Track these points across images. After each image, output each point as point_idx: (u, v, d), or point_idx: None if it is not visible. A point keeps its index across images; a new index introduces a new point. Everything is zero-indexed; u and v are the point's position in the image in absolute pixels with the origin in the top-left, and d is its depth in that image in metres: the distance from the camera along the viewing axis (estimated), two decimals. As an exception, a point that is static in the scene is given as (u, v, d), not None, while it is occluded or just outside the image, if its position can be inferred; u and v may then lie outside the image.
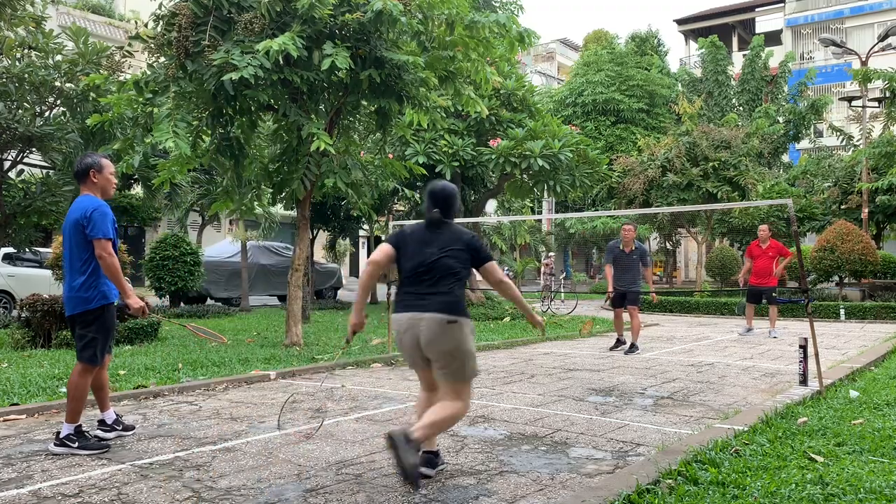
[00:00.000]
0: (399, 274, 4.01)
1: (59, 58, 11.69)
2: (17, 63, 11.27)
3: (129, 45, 9.66)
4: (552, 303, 17.81)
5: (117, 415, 4.97)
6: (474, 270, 4.08)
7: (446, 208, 4.12)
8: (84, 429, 4.60)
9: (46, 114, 12.13)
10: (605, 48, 33.38)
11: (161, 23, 8.40)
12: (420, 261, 3.91)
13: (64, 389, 6.22)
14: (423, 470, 3.74)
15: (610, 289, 9.93)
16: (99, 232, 4.47)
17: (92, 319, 4.56)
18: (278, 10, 7.99)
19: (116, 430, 4.86)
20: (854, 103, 20.09)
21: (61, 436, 4.49)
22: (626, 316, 10.09)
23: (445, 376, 3.80)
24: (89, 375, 4.60)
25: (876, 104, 19.93)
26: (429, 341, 3.76)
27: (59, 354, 8.39)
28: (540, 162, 13.77)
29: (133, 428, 4.99)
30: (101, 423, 4.88)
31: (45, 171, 13.92)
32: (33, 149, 11.96)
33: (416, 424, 3.63)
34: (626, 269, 9.78)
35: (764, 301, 12.12)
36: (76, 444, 4.45)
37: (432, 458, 3.94)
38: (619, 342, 10.17)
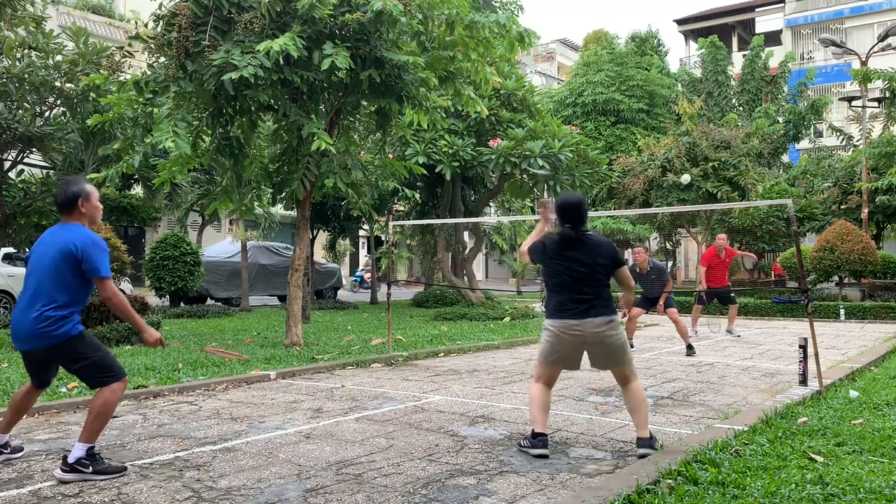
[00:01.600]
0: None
1: (59, 58, 11.69)
2: (18, 63, 11.27)
3: (129, 45, 9.67)
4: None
5: (2, 445, 4.38)
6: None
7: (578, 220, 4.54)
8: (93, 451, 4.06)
9: (46, 114, 12.13)
10: (605, 48, 33.37)
11: (161, 23, 8.40)
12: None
13: (64, 390, 6.23)
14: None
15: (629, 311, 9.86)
16: (102, 270, 4.08)
17: (81, 342, 4.08)
18: (278, 10, 7.99)
19: (3, 452, 4.34)
20: (854, 103, 20.09)
21: (71, 460, 3.94)
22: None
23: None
24: (121, 391, 4.15)
25: (876, 104, 19.93)
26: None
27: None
28: (540, 162, 13.77)
29: (22, 450, 4.44)
30: None
31: (45, 171, 13.92)
32: (33, 149, 11.96)
33: (638, 425, 4.44)
34: (649, 289, 9.86)
35: (714, 301, 12.38)
36: (90, 470, 3.95)
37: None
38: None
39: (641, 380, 7.36)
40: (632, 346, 9.80)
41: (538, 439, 4.42)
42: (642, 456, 4.23)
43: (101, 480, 3.90)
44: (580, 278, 4.43)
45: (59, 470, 3.95)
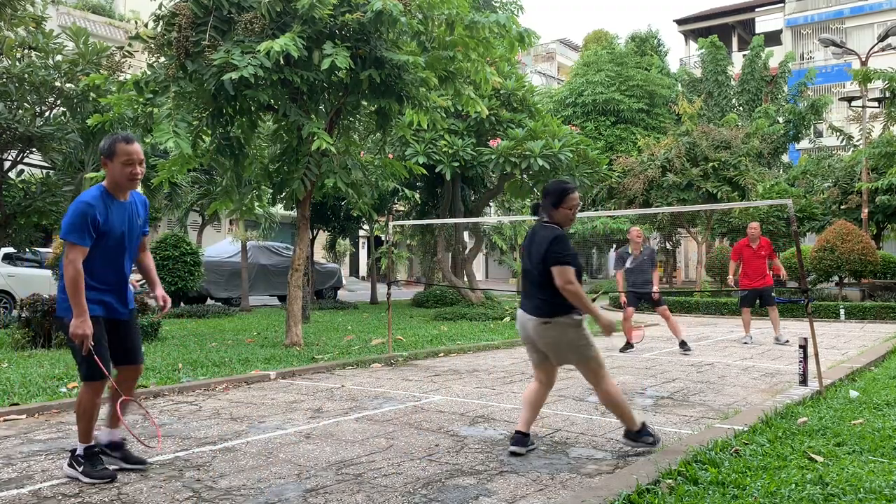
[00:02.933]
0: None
1: (59, 58, 11.70)
2: (18, 63, 11.28)
3: (129, 45, 9.67)
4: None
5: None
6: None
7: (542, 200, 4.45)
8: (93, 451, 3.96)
9: (46, 114, 12.14)
10: (605, 48, 33.37)
11: (161, 23, 8.40)
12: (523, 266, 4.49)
13: (64, 390, 6.23)
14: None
15: (623, 299, 10.06)
16: (62, 231, 3.81)
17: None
18: (278, 10, 7.99)
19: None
20: (854, 103, 20.09)
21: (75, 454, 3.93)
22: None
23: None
24: (91, 392, 3.97)
25: (876, 104, 19.94)
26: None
27: (59, 354, 8.39)
28: (540, 162, 13.77)
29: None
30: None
31: (45, 171, 13.93)
32: (33, 149, 11.96)
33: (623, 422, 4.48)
34: (641, 270, 9.85)
35: (758, 304, 11.03)
36: (80, 469, 3.90)
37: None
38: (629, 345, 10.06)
39: (642, 379, 7.39)
40: (631, 347, 9.90)
41: (515, 435, 4.45)
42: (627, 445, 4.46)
43: (88, 482, 3.83)
44: (524, 270, 4.45)
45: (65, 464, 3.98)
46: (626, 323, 9.96)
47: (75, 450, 3.95)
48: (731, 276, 11.40)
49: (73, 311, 3.77)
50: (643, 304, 10.87)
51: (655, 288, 9.91)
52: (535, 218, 4.48)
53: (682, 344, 9.80)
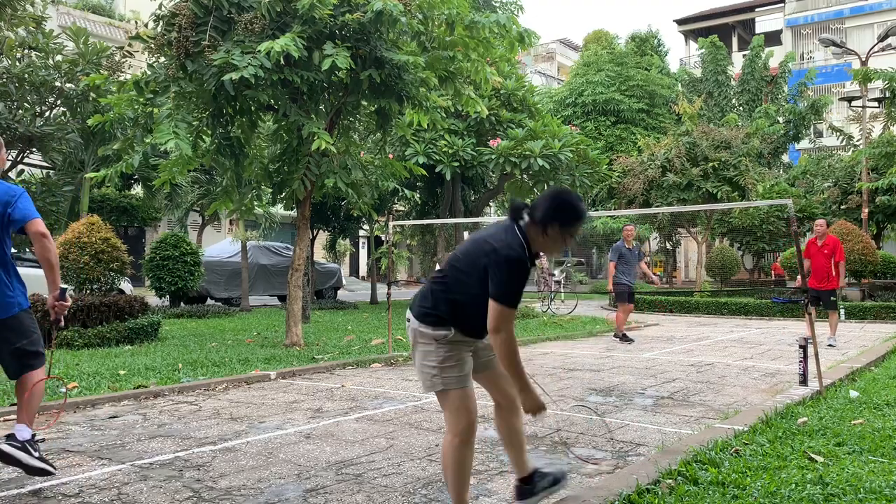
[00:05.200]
0: None
1: (59, 58, 11.71)
2: (18, 63, 11.28)
3: (130, 45, 9.68)
4: (552, 303, 17.80)
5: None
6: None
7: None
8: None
9: (46, 114, 12.14)
10: (605, 48, 33.38)
11: (161, 23, 8.40)
12: None
13: (64, 390, 6.23)
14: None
15: (610, 286, 11.04)
16: (34, 211, 3.89)
17: (32, 315, 4.04)
18: (278, 10, 7.99)
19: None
20: (854, 103, 20.10)
21: (22, 439, 3.83)
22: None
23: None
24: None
25: (876, 104, 19.94)
26: None
27: (58, 354, 8.39)
28: (540, 162, 13.77)
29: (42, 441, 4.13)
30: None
31: (45, 171, 13.93)
32: (33, 149, 11.96)
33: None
34: (631, 263, 10.94)
35: (821, 306, 10.31)
36: (36, 454, 3.84)
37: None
38: (626, 338, 11.04)
39: (642, 379, 7.40)
40: (630, 340, 10.84)
41: (516, 485, 3.41)
42: None
43: (32, 470, 3.78)
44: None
45: (7, 444, 3.77)
46: (621, 314, 11.11)
47: (13, 434, 3.84)
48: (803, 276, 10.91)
49: (56, 287, 3.97)
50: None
51: (651, 276, 11.83)
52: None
53: (623, 337, 10.93)
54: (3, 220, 3.88)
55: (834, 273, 10.17)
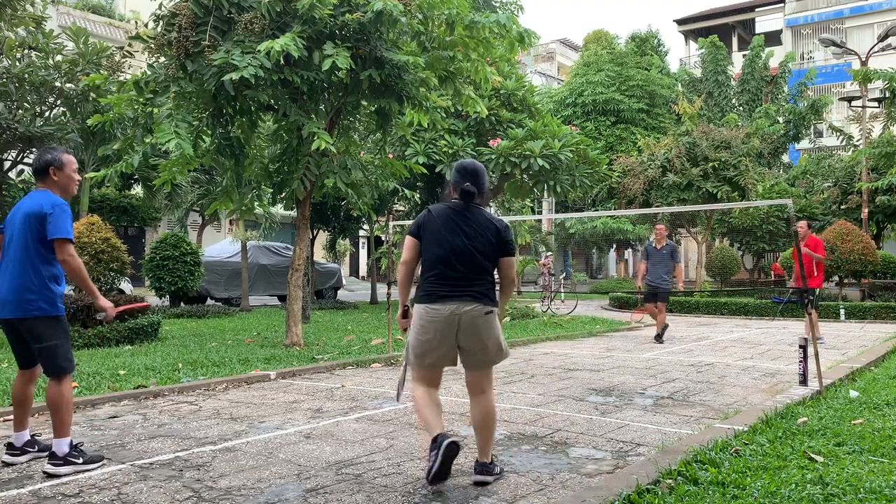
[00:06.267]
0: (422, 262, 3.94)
1: (59, 58, 11.71)
2: (18, 63, 11.28)
3: (129, 45, 9.67)
4: (552, 303, 17.80)
5: (32, 436, 4.37)
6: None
7: (478, 185, 3.88)
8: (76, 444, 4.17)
9: (46, 114, 12.15)
10: (605, 48, 33.38)
11: (161, 23, 8.40)
12: (451, 248, 3.80)
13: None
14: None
15: (639, 283, 11.23)
16: (63, 231, 4.05)
17: (55, 324, 4.13)
18: (278, 10, 7.99)
19: (30, 452, 4.29)
20: (854, 103, 20.10)
21: (60, 454, 4.02)
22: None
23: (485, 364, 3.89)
24: (69, 383, 4.16)
25: (876, 104, 19.94)
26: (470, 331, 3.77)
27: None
28: (540, 162, 13.76)
29: (49, 447, 4.18)
30: (10, 446, 4.29)
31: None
32: (33, 149, 11.97)
33: (479, 445, 3.90)
34: (658, 263, 10.89)
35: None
36: (81, 460, 4.07)
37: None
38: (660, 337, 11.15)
39: (642, 379, 7.40)
40: (662, 340, 10.97)
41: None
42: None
43: (94, 468, 4.07)
44: (459, 251, 3.84)
45: (48, 465, 4.02)
46: (657, 315, 11.07)
47: (52, 452, 4.05)
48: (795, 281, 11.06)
49: (95, 296, 4.27)
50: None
51: (680, 282, 11.47)
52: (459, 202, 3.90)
53: (658, 337, 10.97)
54: (32, 228, 4.11)
55: (815, 273, 10.50)
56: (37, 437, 4.43)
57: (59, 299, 4.17)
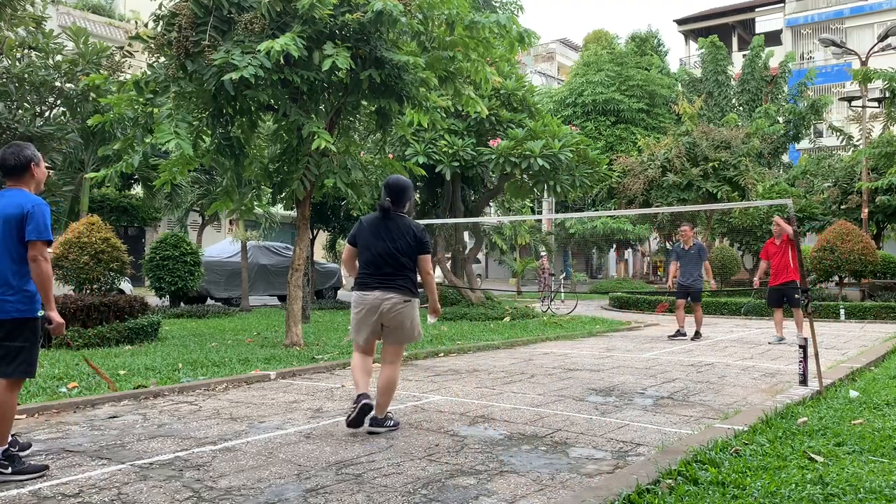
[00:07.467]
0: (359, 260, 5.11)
1: (59, 58, 11.71)
2: (18, 63, 11.28)
3: (129, 45, 9.67)
4: (552, 303, 17.81)
5: (10, 443, 4.12)
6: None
7: (397, 199, 5.17)
8: (11, 451, 4.01)
9: (46, 114, 12.15)
10: (605, 48, 33.39)
11: (161, 23, 8.40)
12: (377, 251, 5.00)
13: (64, 390, 6.23)
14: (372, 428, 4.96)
15: (670, 283, 11.69)
16: (42, 234, 3.98)
17: (30, 326, 4.05)
18: (278, 10, 7.99)
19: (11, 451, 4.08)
20: (854, 103, 20.10)
21: None
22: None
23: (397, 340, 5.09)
24: (18, 390, 4.09)
25: (876, 104, 19.94)
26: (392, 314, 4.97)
27: (58, 354, 8.39)
28: (540, 162, 13.77)
29: (29, 446, 4.27)
30: None
31: (45, 171, 13.90)
32: (33, 149, 11.95)
33: (378, 402, 4.99)
34: (689, 263, 11.36)
35: (785, 302, 10.91)
36: (10, 470, 3.91)
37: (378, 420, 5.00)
38: (679, 332, 11.52)
39: (642, 379, 7.40)
40: (700, 336, 11.35)
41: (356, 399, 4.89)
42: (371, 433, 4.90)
43: (21, 480, 3.88)
44: (384, 254, 5.02)
45: None
46: (679, 312, 11.59)
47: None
48: (758, 277, 11.51)
49: (50, 307, 4.09)
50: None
51: (711, 279, 11.99)
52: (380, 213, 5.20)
53: (697, 334, 11.36)
54: (12, 228, 4.02)
55: (792, 265, 10.37)
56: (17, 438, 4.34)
57: (36, 301, 4.07)
